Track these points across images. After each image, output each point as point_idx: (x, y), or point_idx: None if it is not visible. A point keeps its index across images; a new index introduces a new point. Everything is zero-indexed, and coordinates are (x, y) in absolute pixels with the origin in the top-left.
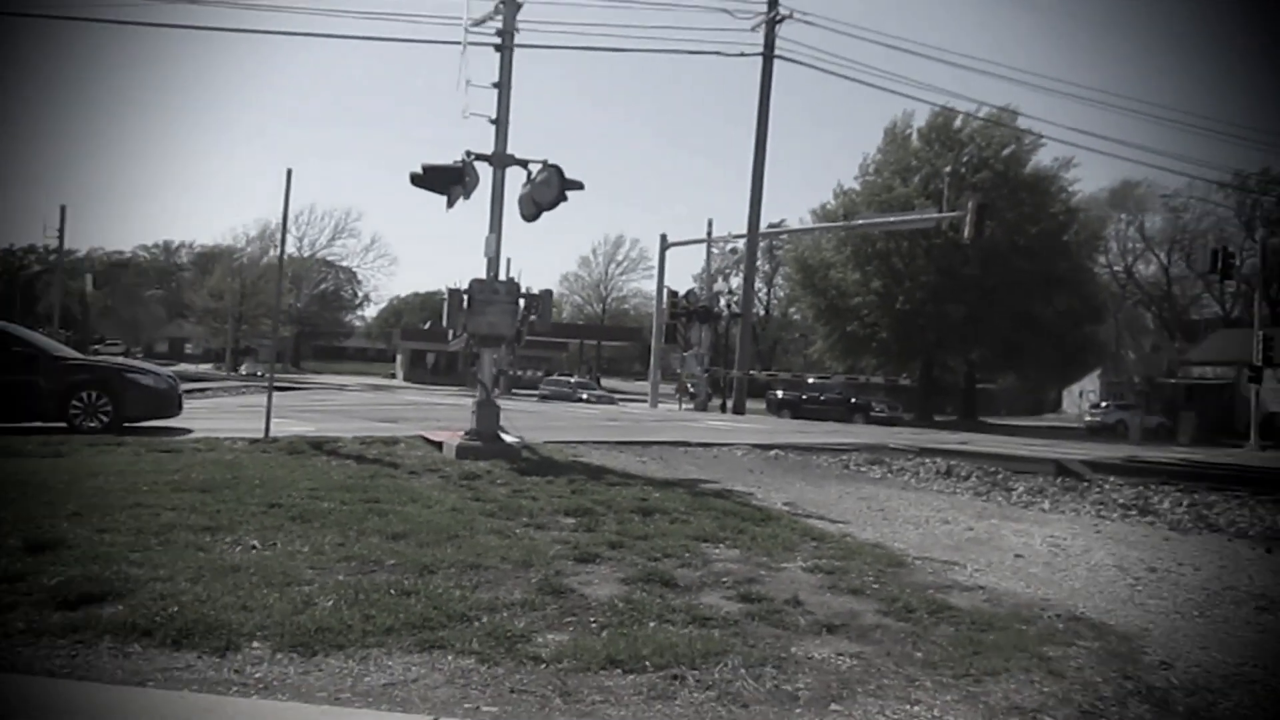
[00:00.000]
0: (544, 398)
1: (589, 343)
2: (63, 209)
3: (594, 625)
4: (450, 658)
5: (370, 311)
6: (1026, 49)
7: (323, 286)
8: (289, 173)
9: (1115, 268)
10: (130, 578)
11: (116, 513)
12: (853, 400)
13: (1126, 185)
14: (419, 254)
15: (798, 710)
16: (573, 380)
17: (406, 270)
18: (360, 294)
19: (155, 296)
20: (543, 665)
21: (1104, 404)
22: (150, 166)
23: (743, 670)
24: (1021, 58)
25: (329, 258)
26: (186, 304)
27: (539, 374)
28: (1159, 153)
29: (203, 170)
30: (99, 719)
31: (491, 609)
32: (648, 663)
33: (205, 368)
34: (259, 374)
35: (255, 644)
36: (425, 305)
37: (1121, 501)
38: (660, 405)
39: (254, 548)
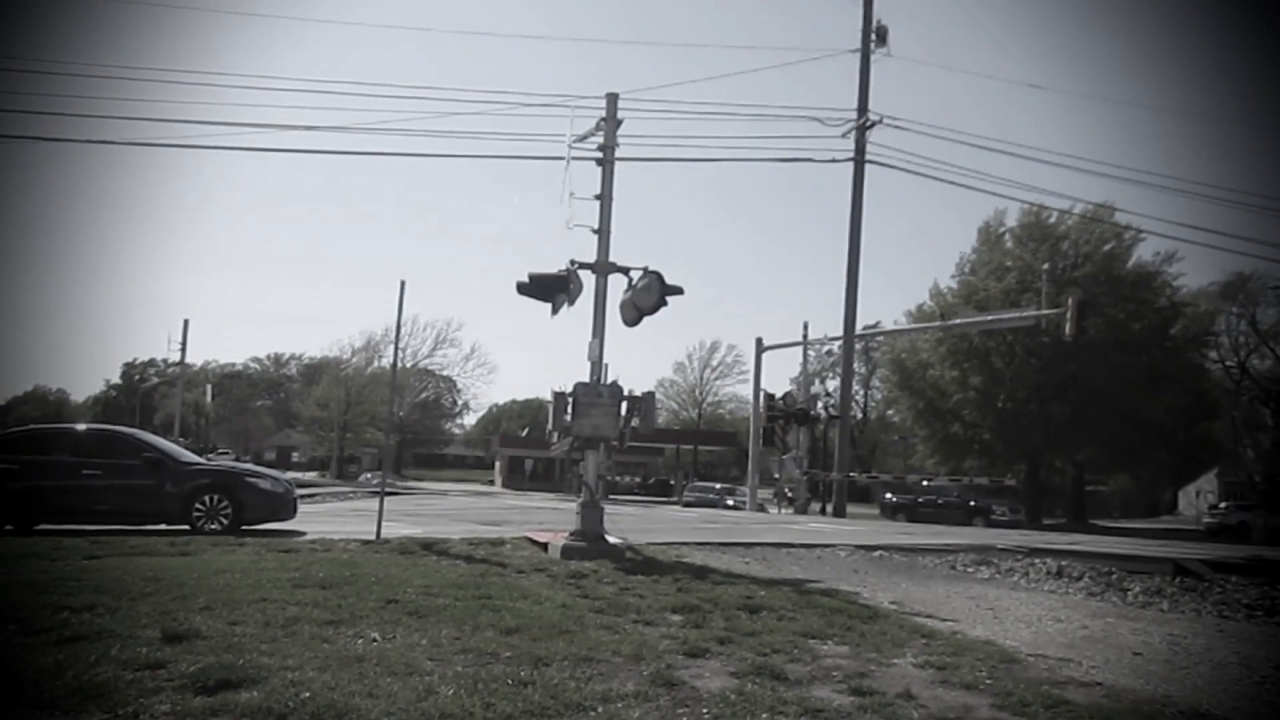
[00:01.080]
0: (688, 504)
1: (685, 447)
2: (185, 323)
3: (707, 716)
4: None
5: (469, 419)
6: (1121, 145)
7: (424, 395)
8: (402, 284)
9: (1228, 363)
10: (262, 666)
11: (244, 607)
12: (972, 503)
13: (1237, 278)
14: (516, 362)
15: None
16: (718, 487)
17: (505, 378)
18: (460, 402)
19: (264, 406)
20: None
21: (1223, 504)
22: (259, 283)
23: None
24: (1117, 153)
25: (430, 367)
26: (294, 413)
27: (636, 480)
28: (1269, 244)
29: (310, 284)
30: None
31: (606, 699)
32: None
33: (311, 475)
34: (370, 479)
35: None
36: (523, 412)
37: (1246, 602)
38: (758, 509)
39: (375, 640)
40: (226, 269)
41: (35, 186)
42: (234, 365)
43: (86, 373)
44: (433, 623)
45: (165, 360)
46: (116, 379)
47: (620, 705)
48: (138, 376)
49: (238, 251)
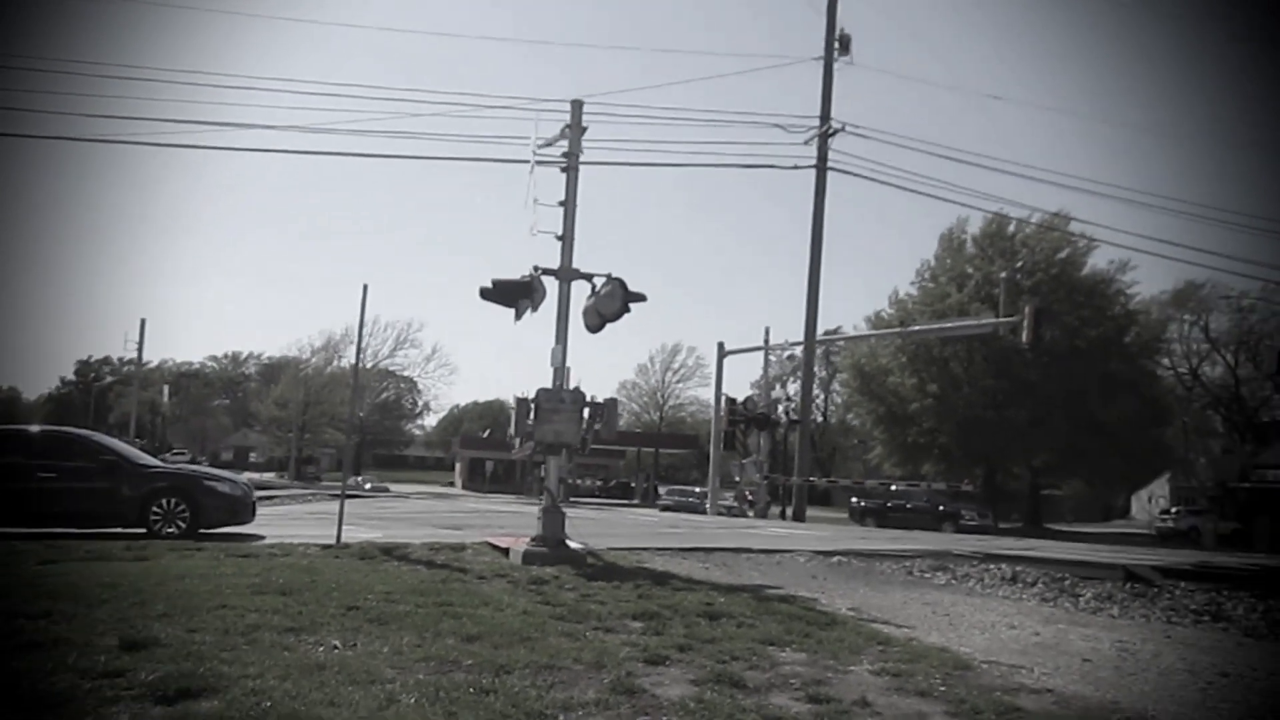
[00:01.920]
0: (665, 508)
1: (646, 450)
2: (142, 322)
3: None
4: None
5: (430, 420)
6: (1077, 156)
7: (384, 396)
8: (365, 287)
9: (1180, 370)
10: (222, 675)
11: (203, 613)
12: (941, 508)
13: (1189, 286)
14: (478, 363)
15: None
16: (697, 490)
17: (466, 379)
18: (420, 403)
19: (222, 406)
20: None
21: (1174, 509)
22: (219, 281)
23: None
24: (1072, 164)
25: (390, 368)
26: (252, 413)
27: (597, 483)
28: (1221, 254)
29: (270, 282)
30: None
31: (567, 708)
32: None
33: (269, 475)
34: (363, 483)
35: None
36: (484, 414)
37: (1193, 608)
38: (719, 513)
39: (336, 648)
40: (184, 267)
41: None
42: (191, 364)
43: (39, 370)
44: (394, 630)
45: (121, 358)
46: (70, 376)
47: (581, 713)
48: (92, 375)
49: (197, 250)
